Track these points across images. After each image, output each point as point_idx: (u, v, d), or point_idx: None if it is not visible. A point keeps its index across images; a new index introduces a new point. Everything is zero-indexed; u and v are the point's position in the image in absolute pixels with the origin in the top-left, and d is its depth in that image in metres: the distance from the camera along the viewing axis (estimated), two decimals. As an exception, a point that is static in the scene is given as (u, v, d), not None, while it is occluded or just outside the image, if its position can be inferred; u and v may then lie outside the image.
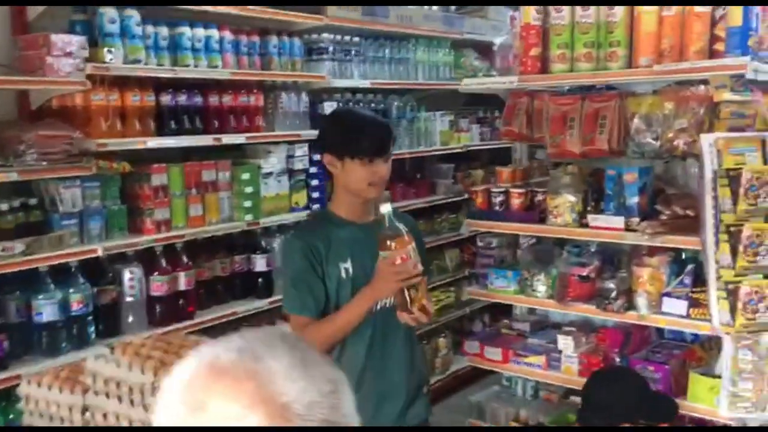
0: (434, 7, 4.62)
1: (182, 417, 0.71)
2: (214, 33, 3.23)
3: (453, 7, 4.82)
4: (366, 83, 4.04)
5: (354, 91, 4.05)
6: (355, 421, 0.75)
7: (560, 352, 2.94)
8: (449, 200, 4.76)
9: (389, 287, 1.95)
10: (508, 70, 3.14)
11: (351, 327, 2.05)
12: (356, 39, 4.01)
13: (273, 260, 3.51)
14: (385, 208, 1.91)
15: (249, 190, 3.41)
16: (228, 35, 3.30)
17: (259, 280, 3.47)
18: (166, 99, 3.08)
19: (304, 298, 2.05)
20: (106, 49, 2.79)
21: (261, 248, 3.49)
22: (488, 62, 4.76)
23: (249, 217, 3.40)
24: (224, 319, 3.29)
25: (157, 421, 0.75)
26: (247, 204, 3.40)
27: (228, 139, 3.29)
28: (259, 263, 3.46)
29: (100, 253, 2.80)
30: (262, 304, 3.45)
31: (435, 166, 4.89)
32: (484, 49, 4.78)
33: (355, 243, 2.10)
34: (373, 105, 4.14)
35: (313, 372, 0.74)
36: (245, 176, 3.41)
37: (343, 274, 2.07)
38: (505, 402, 3.27)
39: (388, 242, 1.92)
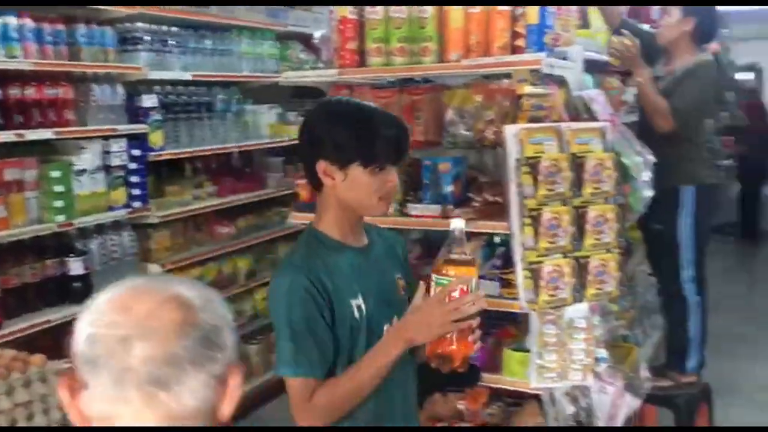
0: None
1: (109, 316, 0.93)
2: (12, 20, 2.99)
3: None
4: (188, 75, 3.91)
5: (175, 83, 3.91)
6: (231, 322, 1.00)
7: (387, 338, 3.02)
8: (280, 194, 4.74)
9: (434, 330, 1.52)
10: (333, 63, 3.17)
11: (378, 382, 1.58)
12: (175, 29, 3.87)
13: (90, 263, 3.32)
14: (459, 223, 1.53)
15: (60, 189, 3.20)
16: (29, 23, 3.07)
17: (75, 284, 3.26)
18: (-44, 92, 2.81)
19: (310, 355, 1.55)
20: None
21: (76, 251, 3.29)
22: (315, 55, 4.78)
23: (61, 218, 3.19)
24: (37, 328, 3.07)
25: (84, 324, 0.94)
26: (59, 204, 3.19)
27: (33, 134, 3.07)
28: (75, 266, 3.26)
29: None
30: (79, 309, 3.22)
31: (264, 159, 4.85)
32: (311, 42, 4.79)
33: (360, 272, 1.68)
34: (195, 98, 4.03)
35: (199, 287, 1.00)
36: (55, 174, 3.19)
37: (356, 314, 1.63)
38: (336, 391, 3.31)
39: (449, 268, 1.51)
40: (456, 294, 1.49)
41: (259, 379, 4.46)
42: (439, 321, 1.50)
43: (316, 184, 1.68)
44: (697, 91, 3.27)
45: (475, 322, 1.56)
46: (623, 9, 3.89)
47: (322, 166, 1.63)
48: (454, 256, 1.51)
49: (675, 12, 3.32)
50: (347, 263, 1.66)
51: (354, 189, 1.62)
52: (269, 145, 4.68)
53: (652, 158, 2.85)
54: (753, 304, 6.11)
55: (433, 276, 1.52)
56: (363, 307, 1.63)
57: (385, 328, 1.68)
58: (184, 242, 4.05)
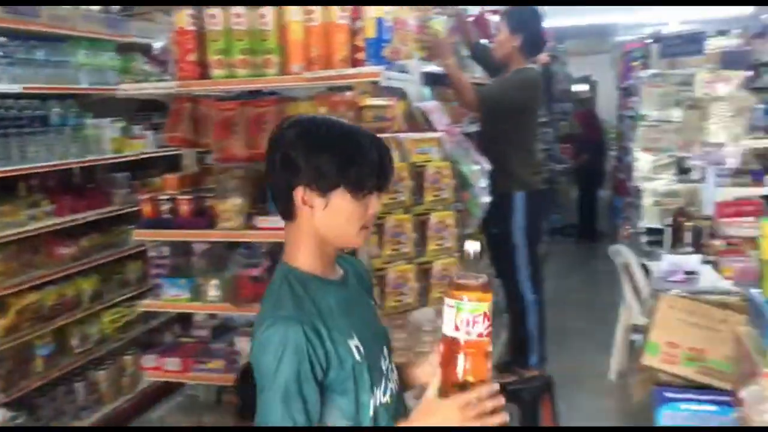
0: (95, 8, 4.37)
1: None
2: None
3: (116, 8, 4.61)
4: (17, 88, 3.66)
5: (3, 96, 3.66)
6: None
7: (239, 353, 2.99)
8: (127, 210, 4.54)
9: (457, 420, 1.38)
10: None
11: None
12: (2, 39, 3.63)
13: None
14: (474, 246, 1.42)
15: None
16: None
17: None
18: None
19: (297, 419, 1.42)
20: None
21: None
22: (161, 67, 4.64)
23: None
24: None
25: None
26: None
27: None
28: None
29: None
30: None
31: (108, 175, 4.64)
32: (154, 54, 4.64)
33: (347, 309, 1.55)
34: (28, 111, 3.79)
35: None
36: None
37: (357, 356, 1.50)
38: (187, 412, 3.22)
39: (462, 292, 1.36)
40: (482, 324, 1.36)
41: (109, 407, 4.24)
42: (458, 424, 1.39)
43: (289, 214, 1.53)
44: (504, 85, 3.52)
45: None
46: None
47: (300, 193, 1.48)
48: (469, 280, 1.39)
49: (504, 29, 3.54)
50: (334, 301, 1.53)
51: (335, 217, 1.49)
52: (113, 160, 4.48)
53: (488, 166, 3.01)
54: (590, 299, 6.57)
55: (451, 301, 1.39)
56: (360, 347, 1.52)
57: (381, 362, 1.59)
58: (18, 266, 3.78)
